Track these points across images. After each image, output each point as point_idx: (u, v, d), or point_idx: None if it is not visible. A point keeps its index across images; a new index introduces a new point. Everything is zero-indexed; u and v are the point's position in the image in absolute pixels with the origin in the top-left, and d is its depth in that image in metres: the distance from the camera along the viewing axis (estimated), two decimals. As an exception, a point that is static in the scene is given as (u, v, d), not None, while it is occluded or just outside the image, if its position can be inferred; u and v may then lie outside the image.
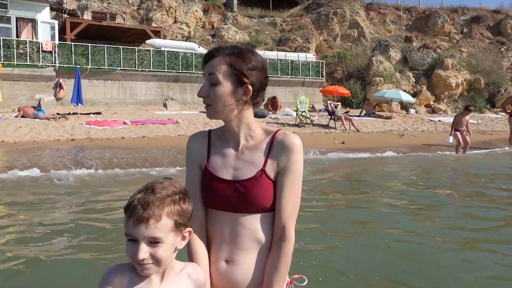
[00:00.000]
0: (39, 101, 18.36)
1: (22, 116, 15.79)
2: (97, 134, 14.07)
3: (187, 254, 1.47)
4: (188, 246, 1.46)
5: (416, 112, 25.21)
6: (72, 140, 13.31)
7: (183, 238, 1.33)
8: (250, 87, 1.42)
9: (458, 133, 12.53)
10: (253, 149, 1.47)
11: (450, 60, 28.05)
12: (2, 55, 18.25)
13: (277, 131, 1.49)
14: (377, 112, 23.09)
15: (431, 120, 22.15)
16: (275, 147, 1.45)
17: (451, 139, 12.55)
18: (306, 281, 1.57)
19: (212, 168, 1.48)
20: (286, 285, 1.52)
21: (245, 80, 1.41)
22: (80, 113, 17.33)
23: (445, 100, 28.18)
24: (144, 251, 1.23)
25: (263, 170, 1.43)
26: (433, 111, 26.85)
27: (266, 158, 1.45)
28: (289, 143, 1.44)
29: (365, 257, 3.87)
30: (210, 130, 1.57)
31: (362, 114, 22.16)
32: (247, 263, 1.44)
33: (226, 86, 1.42)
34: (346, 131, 17.86)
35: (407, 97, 22.55)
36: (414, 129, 19.75)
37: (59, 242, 4.17)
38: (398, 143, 15.07)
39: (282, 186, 1.43)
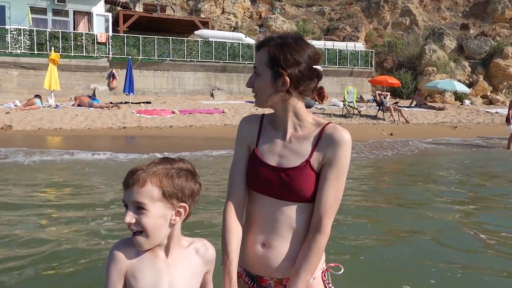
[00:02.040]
0: (94, 90, 19.24)
1: (78, 105, 16.63)
2: (147, 123, 14.56)
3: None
4: (223, 221, 1.49)
5: (471, 103, 23.99)
6: (123, 128, 13.86)
7: (178, 213, 1.32)
8: (287, 78, 1.42)
9: None
10: (301, 139, 1.48)
11: (511, 48, 26.36)
12: (60, 47, 19.24)
13: (328, 123, 1.49)
14: (428, 103, 22.21)
15: (488, 112, 21.00)
16: (323, 140, 1.45)
17: None
18: (342, 270, 1.57)
19: (260, 152, 1.51)
20: (322, 272, 1.53)
21: (282, 71, 1.42)
22: (131, 102, 17.98)
23: (504, 91, 26.57)
24: (130, 216, 1.26)
25: (308, 161, 1.44)
26: (490, 102, 25.44)
27: (313, 149, 1.45)
28: (337, 137, 1.43)
29: (403, 251, 3.79)
30: (263, 114, 1.60)
31: (413, 105, 21.40)
32: (282, 249, 1.46)
33: (265, 77, 1.45)
34: (395, 122, 17.34)
35: (461, 88, 21.50)
36: (469, 121, 18.84)
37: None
38: (450, 136, 14.45)
39: (325, 179, 1.43)
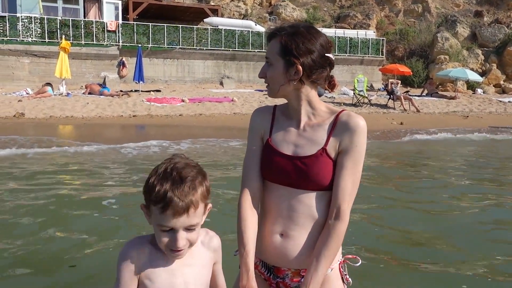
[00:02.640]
0: (104, 78, 19.30)
1: (89, 93, 16.71)
2: (156, 111, 14.61)
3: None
4: (239, 213, 1.49)
5: (483, 92, 23.65)
6: (133, 116, 13.92)
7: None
8: (300, 67, 1.43)
9: None
10: (316, 127, 1.48)
11: (525, 36, 25.82)
12: (71, 35, 19.28)
13: (342, 111, 1.49)
14: (440, 92, 21.94)
15: (500, 101, 20.69)
16: (338, 127, 1.45)
17: None
18: (360, 262, 1.57)
19: (274, 142, 1.51)
20: (340, 263, 1.54)
21: (295, 60, 1.42)
22: (141, 91, 18.02)
23: (517, 80, 26.13)
24: (184, 239, 1.24)
25: (324, 149, 1.45)
26: (503, 91, 25.05)
27: (328, 137, 1.46)
28: (353, 124, 1.44)
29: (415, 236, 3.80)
30: (275, 106, 1.60)
31: (424, 94, 21.18)
32: (301, 238, 1.46)
33: (278, 67, 1.46)
34: (406, 111, 17.20)
35: (474, 76, 21.18)
36: (481, 111, 18.60)
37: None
38: (462, 125, 14.31)
39: (342, 167, 1.43)
